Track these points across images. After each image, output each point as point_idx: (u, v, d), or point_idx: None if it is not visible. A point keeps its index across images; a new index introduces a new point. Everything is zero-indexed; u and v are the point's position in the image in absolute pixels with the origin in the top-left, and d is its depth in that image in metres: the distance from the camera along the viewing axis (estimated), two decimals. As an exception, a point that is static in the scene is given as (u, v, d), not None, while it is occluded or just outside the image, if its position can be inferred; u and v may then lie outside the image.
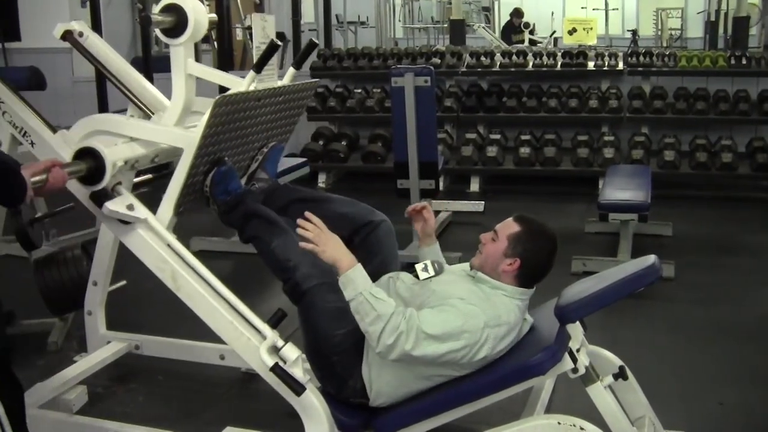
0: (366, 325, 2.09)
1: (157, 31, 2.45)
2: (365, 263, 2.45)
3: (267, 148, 2.78)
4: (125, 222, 2.33)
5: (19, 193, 1.98)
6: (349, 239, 2.50)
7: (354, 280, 2.12)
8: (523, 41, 10.70)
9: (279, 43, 2.58)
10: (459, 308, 2.11)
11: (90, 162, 2.29)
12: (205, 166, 2.47)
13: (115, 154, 2.32)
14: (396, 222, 2.60)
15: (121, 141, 2.43)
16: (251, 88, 2.55)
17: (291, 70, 2.89)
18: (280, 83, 2.85)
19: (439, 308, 2.12)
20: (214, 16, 2.67)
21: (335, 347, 2.25)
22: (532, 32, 10.77)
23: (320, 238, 2.16)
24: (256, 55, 2.66)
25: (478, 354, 2.12)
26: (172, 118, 2.50)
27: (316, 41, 2.91)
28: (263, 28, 2.84)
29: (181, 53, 2.45)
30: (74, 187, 2.35)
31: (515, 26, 11.34)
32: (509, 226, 2.26)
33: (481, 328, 2.10)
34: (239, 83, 2.58)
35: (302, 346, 2.29)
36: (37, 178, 2.06)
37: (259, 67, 2.57)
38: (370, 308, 2.07)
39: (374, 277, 2.42)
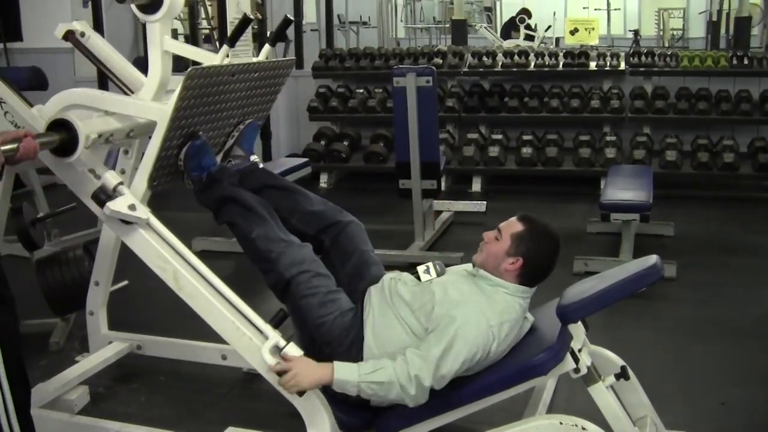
0: (385, 398, 2.11)
1: (133, 7, 2.44)
2: (342, 264, 2.45)
3: (243, 125, 2.75)
4: (127, 222, 2.33)
5: None
6: (316, 238, 2.49)
7: (345, 379, 2.10)
8: (518, 37, 10.68)
9: (251, 17, 2.56)
10: (458, 319, 2.11)
11: (63, 134, 2.27)
12: (179, 139, 2.47)
13: (89, 127, 2.31)
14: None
15: (96, 115, 2.43)
16: (225, 62, 2.53)
17: (266, 47, 2.85)
18: (255, 59, 2.83)
19: (439, 331, 2.11)
20: (191, -6, 2.66)
21: (326, 335, 2.25)
22: (528, 28, 10.74)
23: (289, 377, 2.10)
24: (229, 30, 2.64)
25: (486, 353, 2.12)
26: (148, 94, 2.49)
27: (291, 17, 2.88)
28: (237, 3, 2.82)
29: (157, 30, 2.44)
30: (48, 159, 2.34)
31: (515, 23, 11.32)
32: (513, 225, 2.26)
33: (486, 329, 2.11)
34: (213, 58, 2.58)
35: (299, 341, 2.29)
36: (7, 147, 2.02)
37: (232, 41, 2.55)
38: (376, 385, 2.09)
39: (356, 276, 2.43)
